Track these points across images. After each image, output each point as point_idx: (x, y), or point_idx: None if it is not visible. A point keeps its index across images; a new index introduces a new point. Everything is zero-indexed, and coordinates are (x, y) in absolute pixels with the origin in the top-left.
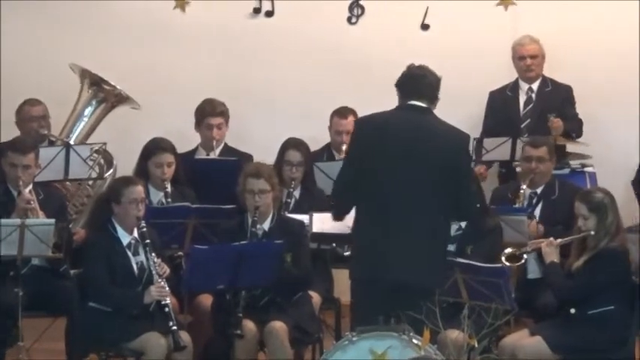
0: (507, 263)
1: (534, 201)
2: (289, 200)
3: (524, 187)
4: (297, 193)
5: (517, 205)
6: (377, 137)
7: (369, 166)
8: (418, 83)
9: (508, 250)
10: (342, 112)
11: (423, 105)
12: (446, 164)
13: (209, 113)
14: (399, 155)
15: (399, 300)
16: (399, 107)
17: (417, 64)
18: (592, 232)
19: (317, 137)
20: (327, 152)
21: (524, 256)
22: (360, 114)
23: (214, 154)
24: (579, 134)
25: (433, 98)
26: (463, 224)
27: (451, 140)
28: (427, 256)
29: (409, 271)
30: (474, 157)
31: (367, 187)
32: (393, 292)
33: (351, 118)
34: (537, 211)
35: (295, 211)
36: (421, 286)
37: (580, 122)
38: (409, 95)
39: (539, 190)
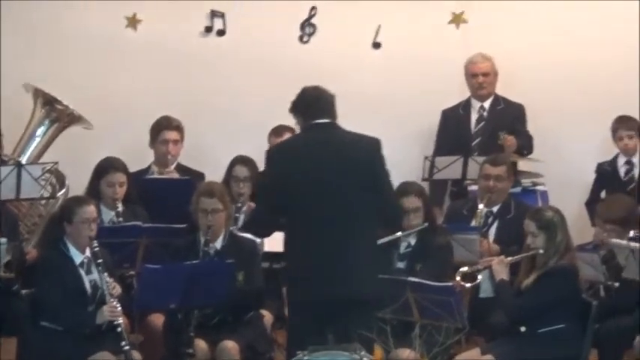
0: (463, 283)
1: (490, 220)
2: (238, 216)
3: (482, 205)
4: (245, 209)
5: (474, 224)
6: (292, 162)
7: (291, 190)
8: (317, 104)
9: (462, 270)
10: (277, 131)
11: (327, 121)
12: (363, 172)
13: (165, 127)
14: (317, 173)
15: (342, 317)
16: (305, 129)
17: (309, 85)
18: (541, 250)
19: None
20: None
21: (479, 276)
22: None
23: (168, 172)
24: (530, 151)
25: (334, 114)
26: (412, 242)
27: (363, 148)
28: (364, 267)
29: (349, 286)
30: (426, 176)
31: (293, 211)
32: (336, 310)
33: (287, 135)
34: (493, 230)
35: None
36: (366, 298)
37: (530, 138)
38: (311, 117)
39: (495, 209)
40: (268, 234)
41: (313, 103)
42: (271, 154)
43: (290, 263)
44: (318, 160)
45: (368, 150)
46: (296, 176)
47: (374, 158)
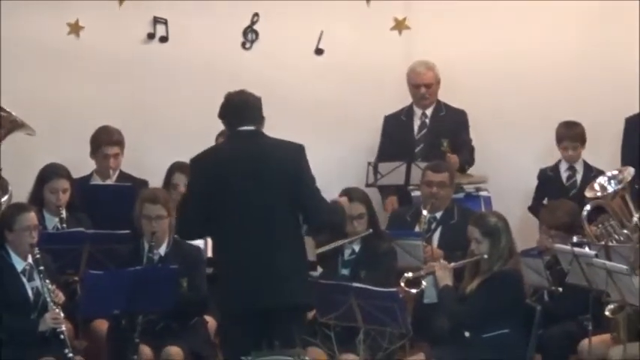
0: (407, 289)
1: (433, 225)
2: None
3: (425, 212)
4: None
5: (417, 230)
6: (217, 171)
7: (216, 199)
8: (242, 110)
9: (406, 275)
10: (224, 135)
11: (252, 128)
12: (288, 178)
13: (105, 142)
14: (242, 182)
15: (270, 325)
16: (229, 137)
17: (234, 91)
18: (485, 256)
19: None
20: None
21: (423, 282)
22: None
23: (110, 181)
24: (472, 163)
25: (260, 120)
26: (357, 248)
27: (287, 154)
28: (290, 274)
29: (275, 292)
30: (369, 182)
31: (219, 220)
32: (263, 318)
33: None
34: (436, 236)
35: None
36: (290, 305)
37: (472, 149)
38: (236, 123)
39: (438, 215)
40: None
41: (237, 110)
42: (193, 164)
43: (219, 271)
44: (240, 169)
45: (292, 157)
46: (218, 186)
47: (298, 165)
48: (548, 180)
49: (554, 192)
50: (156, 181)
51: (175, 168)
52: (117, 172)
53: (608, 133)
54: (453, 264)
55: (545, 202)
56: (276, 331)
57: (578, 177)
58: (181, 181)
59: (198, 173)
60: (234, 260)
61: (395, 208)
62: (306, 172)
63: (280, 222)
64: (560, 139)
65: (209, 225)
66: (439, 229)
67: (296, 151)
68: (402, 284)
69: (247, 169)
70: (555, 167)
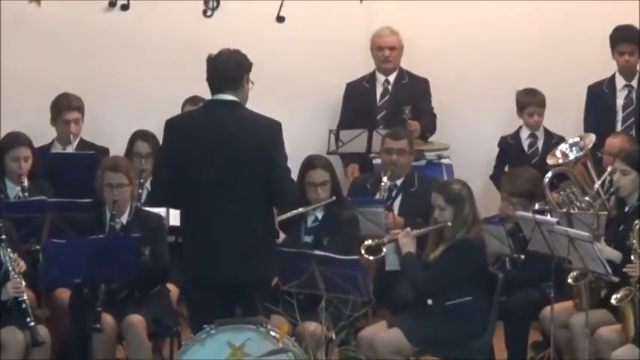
0: (367, 256)
1: (394, 193)
2: (141, 191)
3: (385, 179)
4: (148, 185)
5: (377, 197)
6: (190, 138)
7: (184, 166)
8: (216, 75)
9: (367, 243)
10: (193, 100)
11: (229, 98)
12: (261, 155)
13: (65, 108)
14: (212, 153)
15: (235, 296)
16: (206, 104)
17: (214, 53)
18: (449, 223)
19: None
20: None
21: (384, 248)
22: None
23: (71, 148)
24: (433, 130)
25: (236, 84)
26: (320, 215)
27: (262, 131)
28: (256, 249)
29: (241, 268)
30: (331, 149)
31: (186, 188)
32: (229, 290)
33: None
34: (397, 203)
35: (147, 202)
36: (255, 280)
37: (434, 117)
38: (213, 89)
39: (398, 183)
40: (172, 206)
41: (215, 75)
42: (168, 126)
43: (184, 241)
44: (213, 141)
45: (267, 134)
46: (189, 154)
47: (273, 143)
48: (509, 148)
49: (515, 159)
50: (116, 149)
51: (137, 136)
52: (77, 139)
53: (569, 100)
54: (416, 231)
55: (506, 169)
56: (240, 301)
57: (540, 144)
58: (143, 149)
59: (171, 136)
60: (199, 231)
61: (356, 176)
62: (280, 151)
63: (249, 197)
64: (523, 106)
65: (178, 188)
66: (400, 197)
67: (272, 129)
68: (363, 251)
69: (220, 141)
70: (516, 135)
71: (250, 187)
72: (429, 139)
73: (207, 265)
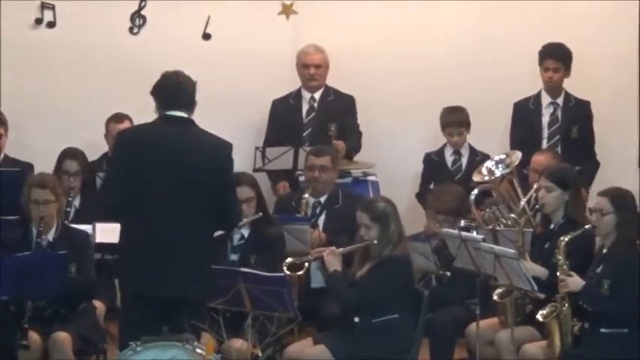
0: (289, 272)
1: (318, 210)
2: (69, 209)
3: (307, 195)
4: (77, 203)
5: (300, 214)
6: (139, 151)
7: (134, 179)
8: (175, 92)
9: (289, 260)
10: (117, 117)
11: (183, 115)
12: (210, 175)
13: None
14: (162, 169)
15: (169, 313)
16: (159, 119)
17: (171, 70)
18: (375, 241)
19: (98, 145)
20: (105, 160)
21: (305, 264)
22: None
23: None
24: (358, 149)
25: (191, 105)
26: (246, 233)
27: (214, 150)
28: (195, 269)
29: (178, 286)
30: (257, 167)
31: (132, 201)
32: (163, 307)
33: (127, 123)
34: (321, 220)
35: (75, 220)
36: (191, 300)
37: (359, 135)
38: (167, 105)
39: (322, 199)
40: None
41: (170, 92)
42: (119, 138)
43: (123, 254)
44: (163, 156)
45: (219, 154)
46: (138, 167)
47: (223, 165)
48: (433, 164)
49: (439, 176)
50: (44, 166)
51: (66, 154)
52: (2, 155)
53: (495, 117)
54: (341, 249)
55: (431, 186)
56: (170, 318)
57: (464, 161)
58: (72, 167)
59: (122, 148)
60: (140, 244)
61: (286, 193)
62: (229, 172)
63: (193, 214)
64: (444, 126)
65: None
66: (324, 214)
67: (223, 149)
68: (285, 268)
69: (172, 157)
70: (440, 152)
71: (197, 205)
72: (355, 158)
73: (147, 279)
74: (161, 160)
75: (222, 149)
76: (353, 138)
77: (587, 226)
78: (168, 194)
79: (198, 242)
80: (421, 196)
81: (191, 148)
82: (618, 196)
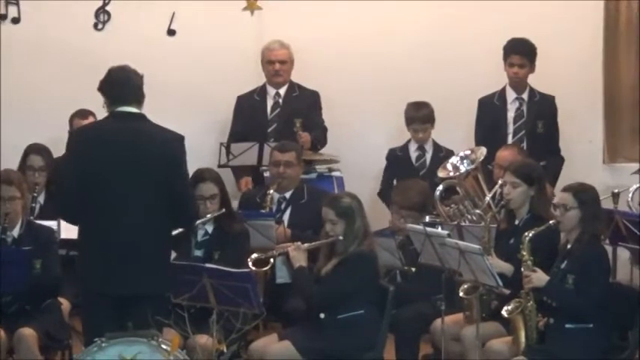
0: (254, 268)
1: (283, 206)
2: (34, 205)
3: (272, 191)
4: (41, 199)
5: (265, 210)
6: (91, 150)
7: (89, 176)
8: (123, 88)
9: (255, 255)
10: (82, 113)
11: (134, 111)
12: (164, 169)
13: None
14: (115, 165)
15: (130, 308)
16: (110, 116)
17: (116, 66)
18: (340, 237)
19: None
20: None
21: (271, 260)
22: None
23: None
24: (324, 143)
25: (140, 100)
26: (210, 229)
27: (166, 144)
28: (150, 264)
29: (137, 279)
30: (221, 163)
31: (90, 198)
32: (123, 301)
33: (91, 119)
34: (286, 216)
35: (40, 216)
36: (151, 293)
37: (325, 130)
38: (117, 101)
39: (287, 195)
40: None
41: (119, 88)
42: (73, 137)
43: (81, 252)
44: (116, 153)
45: (172, 147)
46: (93, 164)
47: (176, 156)
48: (397, 160)
49: (403, 172)
50: (6, 162)
51: (31, 150)
52: None
53: (460, 113)
54: (307, 245)
55: (394, 183)
56: (133, 313)
57: (428, 157)
58: (36, 162)
59: (75, 147)
60: (99, 241)
61: (249, 189)
62: (182, 165)
63: (148, 209)
64: (409, 122)
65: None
66: (289, 209)
67: (177, 143)
68: (250, 264)
69: (126, 152)
70: (405, 147)
71: (152, 199)
72: (320, 153)
73: (104, 276)
74: (114, 157)
75: (173, 142)
76: (318, 132)
77: (551, 222)
78: (123, 190)
79: (153, 237)
80: (383, 193)
81: (143, 143)
82: (582, 191)
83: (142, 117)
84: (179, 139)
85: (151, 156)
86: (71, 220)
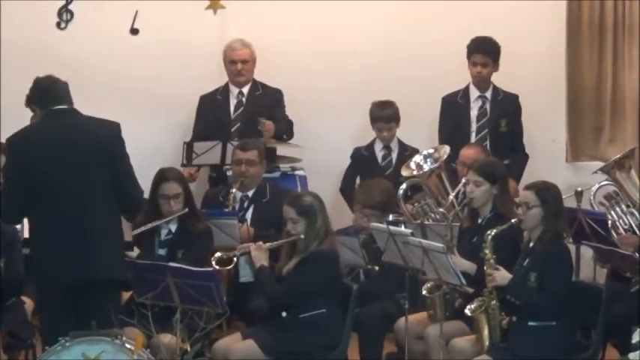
0: (217, 267)
1: (246, 204)
2: None
3: (234, 190)
4: None
5: (228, 209)
6: (32, 150)
7: (32, 178)
8: (52, 90)
9: (217, 254)
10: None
11: (66, 107)
12: (104, 156)
13: None
14: (56, 161)
15: (87, 300)
16: (44, 116)
17: (42, 75)
18: (301, 236)
19: None
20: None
21: (234, 259)
22: None
23: None
24: (290, 136)
25: (70, 100)
26: (173, 228)
27: (104, 132)
28: (102, 251)
29: (90, 267)
30: (184, 161)
31: (36, 197)
32: (80, 294)
33: None
34: (249, 215)
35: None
36: (105, 282)
37: (290, 123)
38: (47, 103)
39: (250, 194)
40: (19, 220)
41: (48, 91)
42: (9, 143)
43: (34, 250)
44: (55, 148)
45: (108, 135)
46: (36, 163)
47: (114, 143)
48: (363, 159)
49: (369, 171)
50: None
51: None
52: None
53: (424, 112)
54: (268, 244)
55: (357, 181)
56: (93, 310)
57: (394, 156)
58: None
59: (14, 152)
60: (48, 236)
61: (193, 177)
62: (121, 150)
63: (96, 197)
64: (374, 120)
65: (28, 201)
66: (252, 208)
67: (112, 129)
68: (213, 263)
69: (62, 147)
70: (370, 146)
71: (95, 189)
72: (282, 152)
73: (58, 267)
74: (54, 153)
75: (109, 129)
76: (283, 124)
77: (513, 220)
78: (66, 183)
79: (103, 224)
80: (345, 191)
81: (79, 134)
82: (544, 190)
83: (74, 111)
84: (115, 125)
85: (87, 145)
86: (14, 222)
